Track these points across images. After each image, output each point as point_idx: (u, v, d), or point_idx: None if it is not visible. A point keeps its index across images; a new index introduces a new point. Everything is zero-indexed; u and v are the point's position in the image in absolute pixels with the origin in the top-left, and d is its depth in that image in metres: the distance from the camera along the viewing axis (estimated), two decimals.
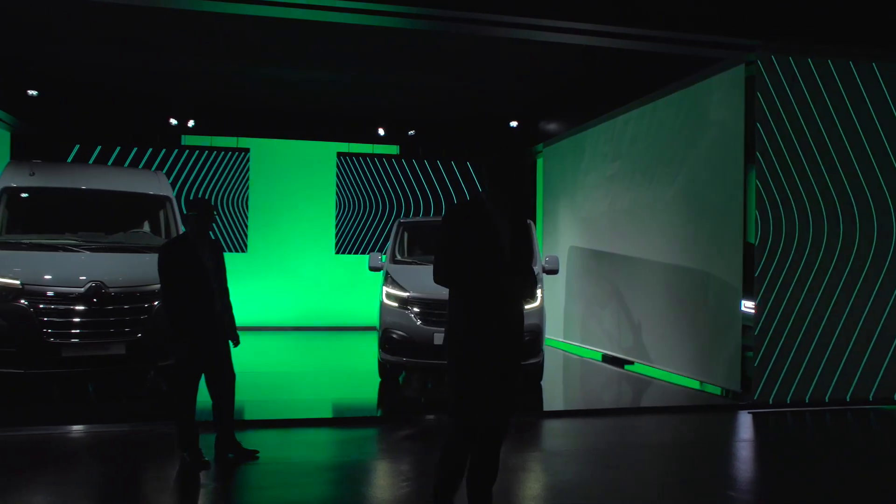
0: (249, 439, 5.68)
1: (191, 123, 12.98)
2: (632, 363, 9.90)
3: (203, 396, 5.29)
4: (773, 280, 7.42)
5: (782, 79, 7.47)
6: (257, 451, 5.42)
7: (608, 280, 10.41)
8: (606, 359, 10.49)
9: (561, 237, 12.22)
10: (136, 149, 13.04)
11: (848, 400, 7.58)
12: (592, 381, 9.45)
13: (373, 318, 8.89)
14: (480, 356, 3.58)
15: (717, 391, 8.03)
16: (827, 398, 7.54)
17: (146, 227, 8.16)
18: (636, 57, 8.78)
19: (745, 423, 6.94)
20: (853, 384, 7.58)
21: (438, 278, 3.64)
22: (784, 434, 6.75)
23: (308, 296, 14.01)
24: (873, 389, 7.63)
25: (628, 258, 9.88)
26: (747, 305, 7.58)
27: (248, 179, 13.67)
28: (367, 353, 10.04)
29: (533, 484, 5.09)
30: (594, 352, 10.85)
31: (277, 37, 9.23)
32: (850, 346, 7.56)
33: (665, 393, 8.34)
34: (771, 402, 7.43)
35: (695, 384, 8.50)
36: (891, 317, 7.63)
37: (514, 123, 13.30)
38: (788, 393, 7.47)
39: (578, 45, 8.09)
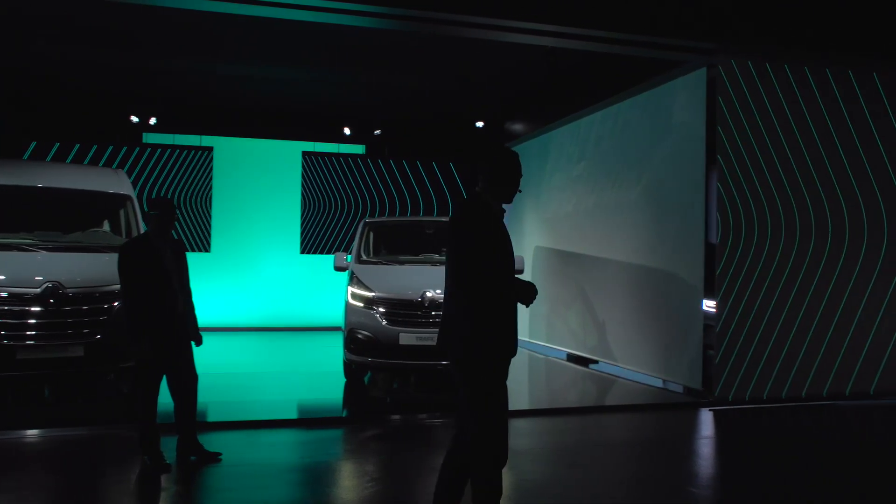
0: (212, 441, 5.60)
1: (153, 121, 12.78)
2: (596, 362, 10.01)
3: (165, 399, 5.20)
4: (733, 280, 7.56)
5: (743, 82, 7.61)
6: (220, 454, 5.35)
7: (573, 280, 10.50)
8: (571, 358, 10.58)
9: (526, 237, 12.30)
10: (95, 146, 12.77)
11: (804, 396, 7.77)
12: (557, 381, 9.52)
13: (338, 318, 8.84)
14: (506, 364, 3.52)
15: (680, 389, 8.16)
16: (785, 395, 7.71)
17: (106, 226, 8.00)
18: (601, 59, 8.87)
19: (706, 421, 7.06)
20: (815, 381, 7.77)
21: (471, 284, 3.41)
22: (744, 431, 6.88)
23: (273, 296, 13.89)
24: (848, 386, 7.82)
25: (593, 258, 9.98)
26: (709, 305, 7.71)
27: (211, 178, 13.49)
28: (332, 353, 9.98)
29: None
30: (559, 351, 10.93)
31: (242, 34, 9.13)
32: (809, 345, 7.74)
33: (629, 391, 8.44)
34: (731, 399, 7.57)
35: (658, 382, 8.61)
36: (846, 315, 7.84)
37: (480, 124, 13.35)
38: (748, 390, 7.62)
39: (544, 46, 8.15)
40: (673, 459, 5.81)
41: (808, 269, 7.75)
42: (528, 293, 3.52)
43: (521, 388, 8.92)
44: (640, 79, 8.92)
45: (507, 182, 3.60)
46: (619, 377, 9.18)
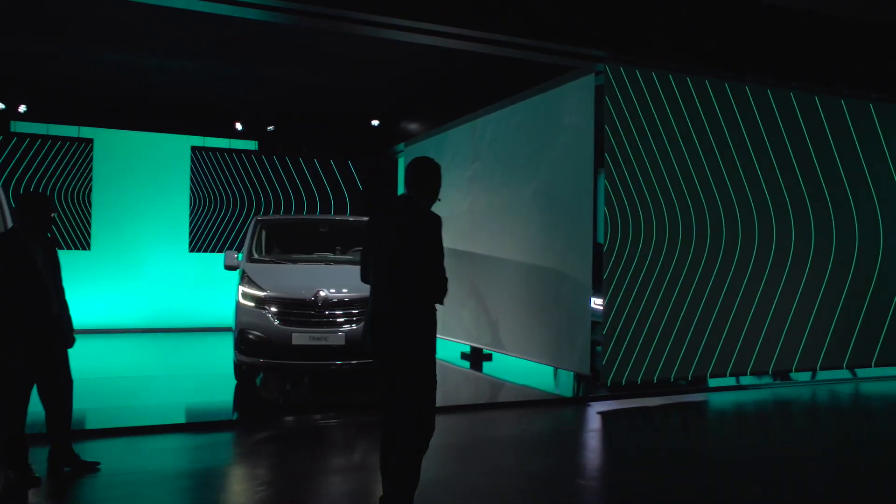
0: (90, 450, 5.30)
1: (22, 108, 11.92)
2: (489, 358, 10.19)
3: (34, 406, 4.87)
4: (619, 279, 7.88)
5: (629, 88, 7.95)
6: (98, 463, 5.06)
7: (467, 278, 10.63)
8: (465, 356, 10.71)
9: None
10: None
11: (672, 381, 8.23)
12: (449, 381, 9.60)
13: (228, 318, 8.58)
14: None
15: (569, 385, 8.43)
16: (657, 379, 8.09)
17: None
18: (495, 61, 9.02)
19: (593, 415, 7.33)
20: (684, 368, 8.23)
21: (440, 286, 3.94)
22: (628, 424, 7.20)
23: (159, 295, 13.29)
24: (709, 370, 8.30)
25: (487, 257, 10.15)
26: (596, 302, 8.01)
27: (91, 172, 12.75)
28: (222, 354, 9.67)
29: None
30: (455, 343, 10.98)
31: (127, 19, 8.67)
32: (681, 337, 8.18)
33: (520, 390, 8.63)
34: (617, 393, 7.89)
35: (549, 378, 8.86)
36: (723, 311, 8.35)
37: (375, 122, 13.30)
38: (633, 384, 7.96)
39: (439, 47, 8.20)
40: (562, 453, 6.01)
41: (680, 267, 8.16)
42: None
43: None
44: (534, 81, 9.15)
45: (433, 189, 4.06)
46: (507, 381, 9.27)
